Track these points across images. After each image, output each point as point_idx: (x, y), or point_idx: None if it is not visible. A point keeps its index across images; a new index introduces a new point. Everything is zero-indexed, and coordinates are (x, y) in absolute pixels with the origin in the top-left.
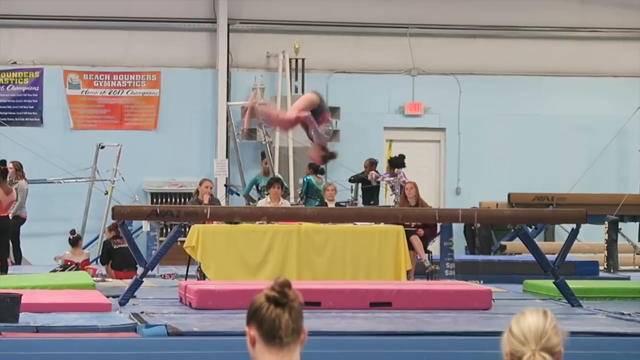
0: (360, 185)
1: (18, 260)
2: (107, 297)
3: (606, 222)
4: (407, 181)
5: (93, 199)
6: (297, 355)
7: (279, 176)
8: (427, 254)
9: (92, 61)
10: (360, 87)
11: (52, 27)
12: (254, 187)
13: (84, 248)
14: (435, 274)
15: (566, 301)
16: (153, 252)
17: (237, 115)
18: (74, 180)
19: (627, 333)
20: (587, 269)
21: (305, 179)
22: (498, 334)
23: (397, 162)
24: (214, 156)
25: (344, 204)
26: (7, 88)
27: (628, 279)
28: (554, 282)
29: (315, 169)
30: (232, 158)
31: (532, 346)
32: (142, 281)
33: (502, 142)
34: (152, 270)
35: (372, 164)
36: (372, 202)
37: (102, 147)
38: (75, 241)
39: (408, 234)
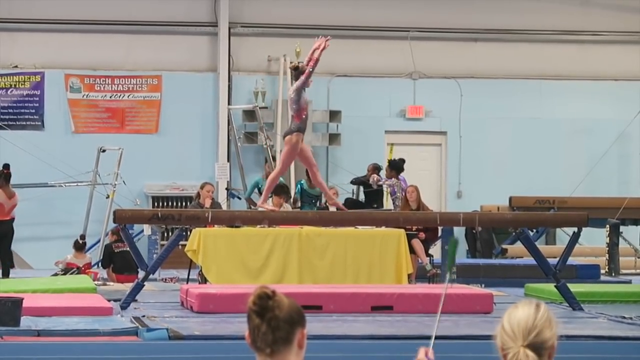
0: (362, 188)
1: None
2: (109, 300)
3: (607, 226)
4: (407, 185)
5: (94, 203)
6: None
7: (284, 183)
8: (428, 258)
9: (93, 65)
10: (361, 91)
11: (53, 31)
12: (256, 190)
13: (85, 252)
14: (436, 277)
15: (567, 305)
16: (154, 255)
17: (238, 119)
18: (75, 184)
19: (629, 337)
20: (589, 273)
21: (298, 183)
22: None
23: (397, 166)
24: (215, 160)
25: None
26: (9, 92)
27: (629, 282)
28: (555, 286)
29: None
30: (234, 162)
31: (519, 342)
32: (144, 285)
33: (503, 145)
34: (153, 274)
35: (375, 169)
36: (374, 206)
37: (103, 151)
38: (81, 246)
39: (409, 237)
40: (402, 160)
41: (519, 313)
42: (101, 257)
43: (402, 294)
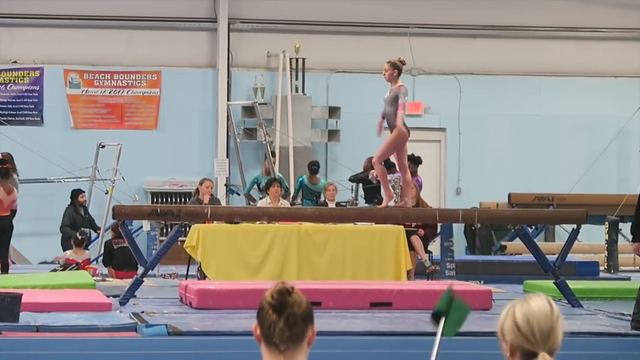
0: (361, 185)
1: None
2: (108, 296)
3: (606, 223)
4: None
5: (93, 199)
6: (301, 359)
7: (280, 175)
8: (427, 254)
9: (93, 60)
10: (361, 87)
11: (52, 27)
12: (255, 186)
13: (84, 247)
14: (435, 274)
15: (566, 301)
16: (153, 251)
17: (238, 115)
18: (75, 180)
19: (628, 333)
20: (588, 270)
21: (298, 179)
22: None
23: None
24: (214, 156)
25: (344, 203)
26: (8, 87)
27: (628, 279)
28: (554, 283)
29: (315, 170)
30: (233, 158)
31: (541, 348)
32: (143, 281)
33: (502, 142)
34: (152, 269)
35: (371, 162)
36: (375, 201)
37: (103, 147)
38: (81, 242)
39: (408, 234)
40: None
41: (537, 314)
42: (100, 253)
43: (401, 291)
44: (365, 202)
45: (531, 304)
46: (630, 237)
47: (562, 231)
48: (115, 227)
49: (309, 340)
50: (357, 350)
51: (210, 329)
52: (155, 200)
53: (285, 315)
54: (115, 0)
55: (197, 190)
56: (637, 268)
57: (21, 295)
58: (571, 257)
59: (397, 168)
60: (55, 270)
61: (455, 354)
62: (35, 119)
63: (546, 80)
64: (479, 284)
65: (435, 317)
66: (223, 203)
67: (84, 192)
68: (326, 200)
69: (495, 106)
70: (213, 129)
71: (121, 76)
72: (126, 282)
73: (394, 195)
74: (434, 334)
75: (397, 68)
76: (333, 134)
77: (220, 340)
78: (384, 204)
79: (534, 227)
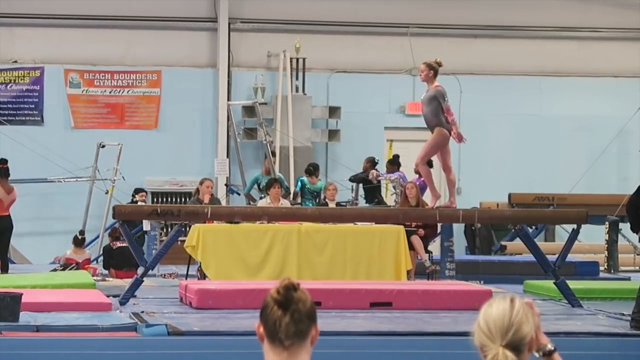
0: (361, 185)
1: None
2: (108, 296)
3: (607, 223)
4: (406, 181)
5: (94, 198)
6: (304, 357)
7: (280, 175)
8: (427, 254)
9: (93, 60)
10: (361, 87)
11: (53, 26)
12: (255, 186)
13: (84, 247)
14: (435, 274)
15: (566, 302)
16: (153, 251)
17: (238, 115)
18: (75, 180)
19: (627, 334)
20: (588, 270)
21: (299, 180)
22: None
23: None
24: (214, 155)
25: (344, 203)
26: (8, 87)
27: (628, 279)
28: (554, 283)
29: (310, 171)
30: (233, 157)
31: (497, 342)
32: (143, 280)
33: (502, 142)
34: (152, 269)
35: (371, 163)
36: (376, 201)
37: (103, 146)
38: (81, 241)
39: (408, 234)
40: (397, 156)
41: (494, 311)
42: (100, 254)
43: (401, 291)
44: (366, 202)
45: (492, 305)
46: (630, 236)
47: (562, 231)
48: (113, 231)
49: (312, 339)
50: (356, 350)
51: (210, 329)
52: (155, 200)
53: (291, 311)
54: (115, 0)
55: (198, 190)
56: (637, 268)
57: (21, 294)
58: (571, 257)
59: (442, 169)
60: (55, 270)
61: (455, 354)
62: (36, 118)
63: (546, 80)
64: (479, 284)
65: None
66: (223, 203)
67: (145, 191)
68: (326, 200)
69: (495, 106)
70: (213, 128)
71: (121, 76)
72: (126, 282)
73: (440, 194)
74: (434, 334)
75: (432, 69)
76: (333, 134)
77: (220, 340)
78: (430, 204)
79: (534, 227)
